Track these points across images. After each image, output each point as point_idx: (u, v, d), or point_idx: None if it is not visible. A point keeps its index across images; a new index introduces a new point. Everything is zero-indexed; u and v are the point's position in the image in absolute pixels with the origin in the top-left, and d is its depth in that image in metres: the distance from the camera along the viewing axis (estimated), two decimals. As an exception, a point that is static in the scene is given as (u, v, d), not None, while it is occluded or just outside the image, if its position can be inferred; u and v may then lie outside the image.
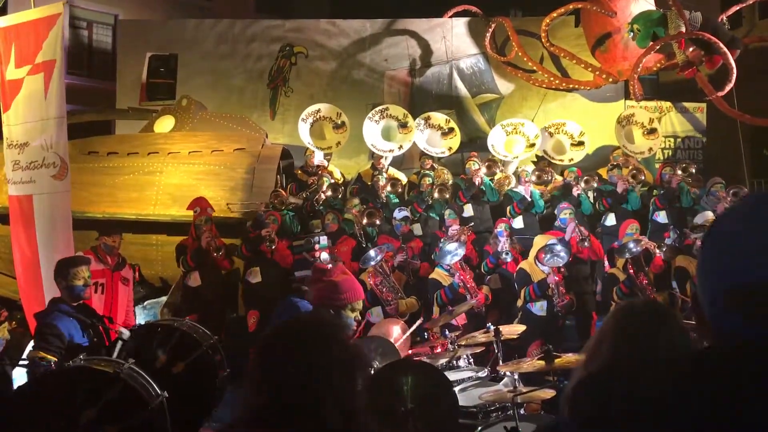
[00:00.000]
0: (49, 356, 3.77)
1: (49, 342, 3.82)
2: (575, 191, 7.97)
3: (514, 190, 8.33)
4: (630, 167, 8.74)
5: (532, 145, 9.49)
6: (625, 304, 1.89)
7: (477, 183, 8.07)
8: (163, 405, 3.20)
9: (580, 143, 9.57)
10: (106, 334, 4.25)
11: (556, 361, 3.55)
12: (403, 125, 9.53)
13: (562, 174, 8.95)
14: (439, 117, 9.93)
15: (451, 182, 8.68)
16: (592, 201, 8.20)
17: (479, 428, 3.77)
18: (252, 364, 1.53)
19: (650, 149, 9.58)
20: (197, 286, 6.86)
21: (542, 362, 3.61)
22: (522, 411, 3.93)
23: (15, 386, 5.33)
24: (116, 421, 2.95)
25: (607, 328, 1.69)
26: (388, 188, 8.28)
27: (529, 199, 7.85)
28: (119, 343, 4.11)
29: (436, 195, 7.91)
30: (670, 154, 10.85)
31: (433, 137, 9.77)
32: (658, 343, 1.57)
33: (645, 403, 0.99)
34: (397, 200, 8.27)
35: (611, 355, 1.58)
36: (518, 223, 7.80)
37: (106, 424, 2.92)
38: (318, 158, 9.25)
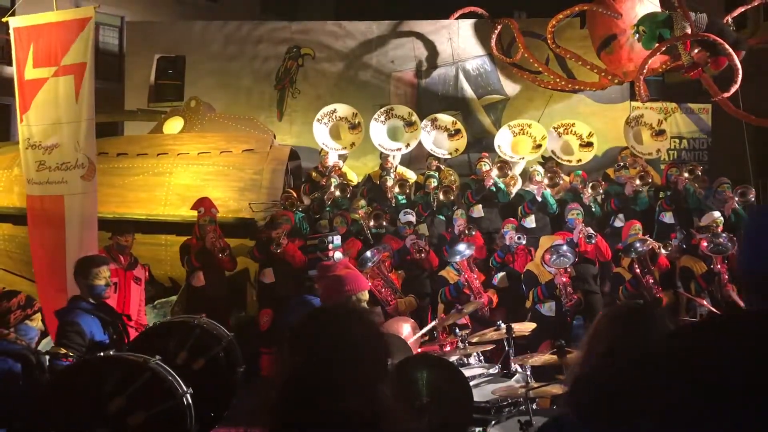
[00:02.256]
0: (70, 353, 3.82)
1: (71, 339, 3.85)
2: (585, 199, 7.95)
3: (526, 189, 8.35)
4: (638, 168, 8.78)
5: (539, 146, 9.53)
6: (616, 305, 1.98)
7: (488, 184, 8.06)
8: (188, 401, 3.26)
9: (589, 144, 9.61)
10: (125, 333, 4.32)
11: (569, 356, 3.63)
12: (409, 124, 9.59)
13: (567, 175, 8.99)
14: (446, 119, 9.98)
15: (457, 183, 8.71)
16: (600, 203, 8.22)
17: (492, 422, 3.84)
18: (283, 344, 1.59)
19: (658, 150, 9.62)
20: (201, 286, 6.91)
21: (555, 357, 3.70)
22: (534, 406, 3.99)
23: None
24: (143, 409, 3.01)
25: (601, 328, 1.76)
26: (396, 189, 8.31)
27: (539, 200, 7.85)
28: None
29: (441, 197, 7.93)
30: (676, 155, 10.90)
31: (440, 138, 9.83)
32: (648, 341, 1.62)
33: (640, 396, 1.15)
34: (405, 201, 8.31)
35: (606, 354, 1.66)
36: (530, 222, 7.80)
37: (133, 412, 2.99)
38: (332, 159, 9.29)
